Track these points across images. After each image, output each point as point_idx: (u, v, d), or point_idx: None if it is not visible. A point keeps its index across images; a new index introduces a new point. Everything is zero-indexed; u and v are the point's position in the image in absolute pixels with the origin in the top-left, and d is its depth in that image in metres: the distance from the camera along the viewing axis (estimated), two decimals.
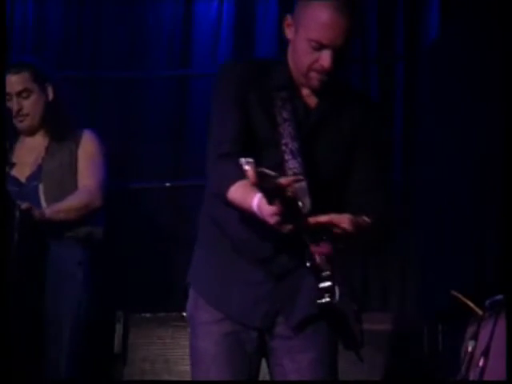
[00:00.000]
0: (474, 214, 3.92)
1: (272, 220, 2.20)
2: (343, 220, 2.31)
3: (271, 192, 2.14)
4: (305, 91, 2.50)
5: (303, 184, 2.36)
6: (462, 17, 4.09)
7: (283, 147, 2.41)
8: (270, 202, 2.16)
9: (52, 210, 3.50)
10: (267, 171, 2.13)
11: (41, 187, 3.63)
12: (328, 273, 2.32)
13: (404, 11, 4.30)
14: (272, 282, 2.45)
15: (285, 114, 2.44)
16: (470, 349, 2.95)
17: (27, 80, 3.69)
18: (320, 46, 2.38)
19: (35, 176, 3.67)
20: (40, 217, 3.45)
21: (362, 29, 4.25)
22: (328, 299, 2.32)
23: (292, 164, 2.39)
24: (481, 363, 2.84)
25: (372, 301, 4.21)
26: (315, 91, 2.48)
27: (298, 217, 2.23)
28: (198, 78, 4.55)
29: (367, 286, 4.22)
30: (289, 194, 2.16)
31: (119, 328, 3.77)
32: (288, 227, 2.22)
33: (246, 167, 2.09)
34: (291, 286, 2.45)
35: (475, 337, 2.93)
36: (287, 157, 2.40)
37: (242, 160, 2.09)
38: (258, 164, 2.11)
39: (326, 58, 2.38)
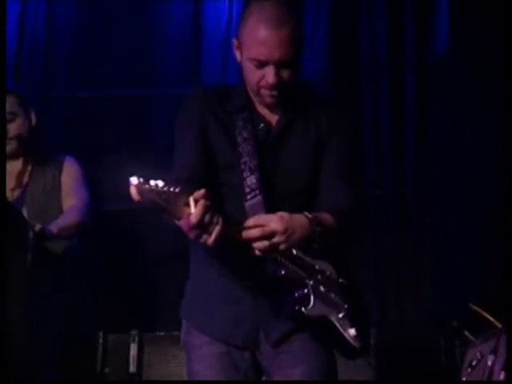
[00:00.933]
0: (488, 226, 3.89)
1: (191, 234, 2.19)
2: (271, 218, 2.30)
3: (175, 209, 2.14)
4: (264, 109, 2.53)
5: (259, 198, 2.40)
6: (471, 27, 4.08)
7: (242, 166, 2.45)
8: (176, 219, 2.16)
9: (58, 227, 3.52)
10: (167, 189, 2.11)
11: (24, 211, 3.65)
12: (304, 280, 2.35)
13: (414, 20, 4.29)
14: (251, 298, 2.45)
15: (245, 134, 2.48)
16: (489, 363, 2.92)
17: (13, 104, 3.74)
18: (261, 64, 2.40)
19: (19, 200, 3.70)
20: (50, 235, 3.47)
21: (372, 37, 4.25)
22: (298, 308, 2.34)
23: (250, 181, 2.43)
24: (502, 377, 2.81)
25: (388, 315, 4.18)
26: (271, 106, 2.51)
27: (226, 228, 2.21)
28: None
29: (383, 301, 4.20)
30: (201, 207, 2.15)
31: (134, 347, 3.76)
32: (210, 239, 2.19)
33: (132, 185, 2.09)
34: (273, 301, 2.44)
35: (495, 351, 2.90)
36: (245, 174, 2.44)
37: (131, 178, 2.10)
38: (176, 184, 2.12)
39: (269, 74, 2.40)
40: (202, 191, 2.18)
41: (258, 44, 2.37)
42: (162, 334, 3.79)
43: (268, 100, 2.48)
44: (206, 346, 2.47)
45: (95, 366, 3.78)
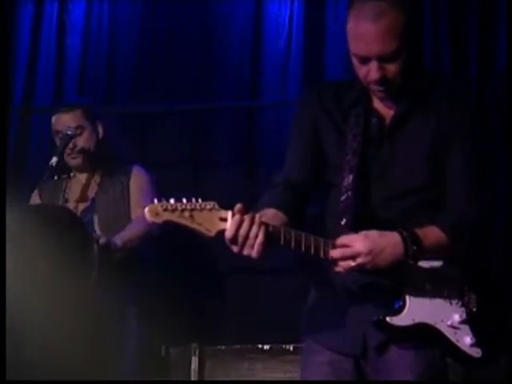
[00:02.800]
0: None
1: (232, 249, 2.20)
2: (356, 238, 2.25)
3: (208, 225, 2.15)
4: (379, 102, 2.44)
5: (348, 200, 2.34)
6: None
7: (345, 164, 2.39)
8: (210, 235, 2.17)
9: (122, 239, 3.54)
10: (198, 206, 2.14)
11: (95, 219, 3.69)
12: (400, 286, 2.29)
13: (478, 34, 4.24)
14: (357, 304, 2.40)
15: (355, 131, 2.41)
16: None
17: (80, 118, 3.78)
18: (362, 59, 2.32)
19: (89, 209, 3.74)
20: (115, 248, 3.50)
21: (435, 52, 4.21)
22: (382, 317, 2.29)
23: (346, 181, 2.37)
24: None
25: None
26: (385, 100, 2.42)
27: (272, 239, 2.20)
28: (267, 108, 4.57)
29: None
30: (234, 222, 2.16)
31: (195, 360, 3.77)
32: (253, 252, 2.18)
33: (147, 206, 2.14)
34: (374, 307, 2.37)
35: None
36: (345, 174, 2.38)
37: (155, 200, 2.14)
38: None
39: (372, 70, 2.32)
40: (239, 205, 2.19)
41: (356, 39, 2.30)
42: (222, 347, 3.80)
43: (379, 95, 2.40)
44: (313, 354, 2.46)
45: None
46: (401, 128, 2.42)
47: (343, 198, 2.36)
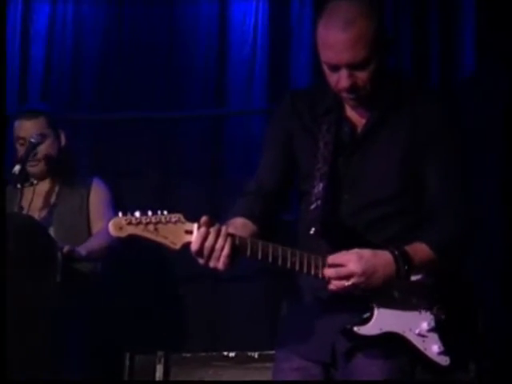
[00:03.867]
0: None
1: (199, 261, 2.20)
2: (350, 258, 2.25)
3: (174, 238, 2.15)
4: (351, 110, 2.43)
5: (317, 209, 2.33)
6: (497, 50, 4.07)
7: (316, 172, 2.39)
8: (174, 247, 2.16)
9: (87, 250, 3.52)
10: (163, 219, 2.13)
11: (51, 230, 3.66)
12: (363, 297, 2.29)
13: (439, 43, 4.28)
14: (326, 311, 2.40)
15: (327, 138, 2.40)
16: None
17: (42, 125, 3.76)
18: (333, 67, 2.32)
19: (46, 220, 3.72)
20: (80, 258, 3.47)
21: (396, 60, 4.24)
22: (350, 327, 2.29)
23: (317, 189, 2.37)
24: None
25: None
26: (357, 108, 2.41)
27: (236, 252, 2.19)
28: (233, 116, 4.57)
29: None
30: (199, 234, 2.15)
31: (160, 368, 3.75)
32: (218, 264, 2.17)
33: (111, 220, 2.13)
34: (343, 314, 2.37)
35: None
36: (315, 182, 2.38)
37: (119, 213, 2.14)
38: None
39: (342, 78, 2.32)
40: (205, 218, 2.18)
41: (326, 48, 2.30)
42: (188, 355, 3.79)
43: (350, 103, 2.39)
44: (283, 361, 2.45)
45: None
46: (372, 137, 2.41)
47: (313, 206, 2.36)
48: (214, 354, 3.70)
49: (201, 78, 4.54)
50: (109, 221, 3.59)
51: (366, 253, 2.26)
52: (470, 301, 2.45)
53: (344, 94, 2.36)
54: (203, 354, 3.75)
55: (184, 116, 4.55)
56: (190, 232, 2.17)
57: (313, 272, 2.27)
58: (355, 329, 2.30)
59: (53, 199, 3.77)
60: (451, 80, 4.23)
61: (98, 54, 4.63)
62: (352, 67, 2.30)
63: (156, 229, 2.12)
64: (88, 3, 4.63)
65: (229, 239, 2.18)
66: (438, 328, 2.35)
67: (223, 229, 2.19)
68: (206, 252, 2.17)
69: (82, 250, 3.50)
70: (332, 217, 2.35)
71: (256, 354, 3.62)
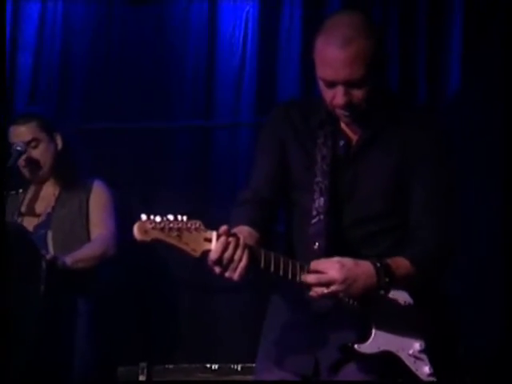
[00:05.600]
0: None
1: (214, 270, 2.19)
2: (331, 266, 2.25)
3: (194, 245, 2.14)
4: (344, 125, 2.45)
5: (321, 225, 2.34)
6: (484, 67, 4.10)
7: (315, 186, 2.39)
8: (194, 255, 2.15)
9: (73, 259, 3.50)
10: (184, 225, 2.12)
11: (49, 235, 3.64)
12: (367, 313, 2.31)
13: (426, 60, 4.30)
14: (313, 325, 2.41)
15: (324, 152, 2.41)
16: None
17: (36, 130, 3.73)
18: (329, 84, 2.34)
19: (44, 224, 3.69)
20: (63, 266, 3.45)
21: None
22: (351, 344, 2.30)
23: (318, 203, 2.37)
24: None
25: None
26: (350, 124, 2.43)
27: (253, 264, 2.19)
28: (220, 128, 4.57)
29: None
30: (220, 244, 2.14)
31: (143, 379, 3.74)
32: (234, 275, 2.16)
33: (137, 223, 2.10)
34: (331, 329, 2.40)
35: None
36: (316, 196, 2.38)
37: (141, 216, 2.11)
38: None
39: (337, 95, 2.33)
40: (225, 227, 2.17)
41: (324, 64, 2.32)
42: (171, 366, 3.78)
43: (344, 120, 2.41)
44: (263, 372, 2.46)
45: None
46: (365, 153, 2.43)
47: (315, 220, 2.36)
48: (197, 365, 3.70)
49: (189, 89, 4.54)
50: (107, 228, 3.65)
51: (348, 261, 2.27)
52: (454, 325, 2.49)
53: (339, 111, 2.38)
54: (186, 365, 3.75)
55: (172, 127, 4.55)
56: (209, 240, 2.16)
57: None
58: (356, 347, 2.31)
59: (52, 203, 3.73)
60: (438, 96, 4.26)
61: (86, 65, 4.62)
62: (349, 85, 2.32)
63: (178, 235, 2.12)
64: (77, 12, 4.63)
65: (246, 250, 2.18)
66: (428, 350, 2.37)
67: (241, 239, 2.19)
68: (224, 262, 2.16)
69: (69, 258, 3.47)
70: (333, 232, 2.36)
71: (239, 367, 3.62)
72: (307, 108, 2.50)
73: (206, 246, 2.16)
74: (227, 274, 2.18)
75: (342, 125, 2.46)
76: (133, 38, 4.59)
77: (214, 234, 2.16)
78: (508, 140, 3.87)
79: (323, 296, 2.26)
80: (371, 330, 2.33)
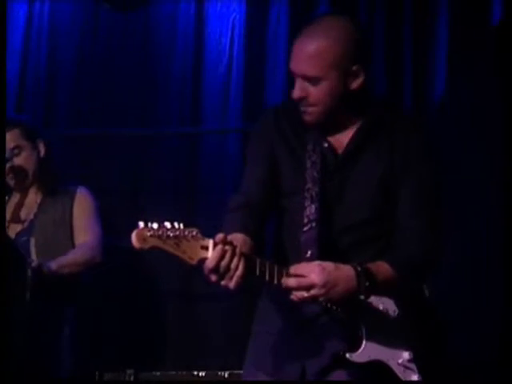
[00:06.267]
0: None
1: (210, 278, 2.18)
2: (312, 269, 2.25)
3: (191, 252, 2.13)
4: (334, 131, 2.45)
5: (313, 232, 2.34)
6: (469, 71, 4.12)
7: (305, 193, 2.39)
8: (191, 263, 2.14)
9: (58, 264, 3.49)
10: (181, 233, 2.12)
11: (32, 241, 3.62)
12: (357, 322, 2.31)
13: (412, 64, 4.32)
14: (300, 332, 2.41)
15: (314, 158, 2.42)
16: None
17: (18, 137, 3.72)
18: (293, 75, 2.38)
19: (26, 231, 3.67)
20: (48, 272, 3.44)
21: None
22: (343, 353, 2.29)
23: (309, 210, 2.37)
24: None
25: None
26: (310, 126, 2.44)
27: (248, 273, 2.19)
28: (208, 134, 4.57)
29: None
30: (217, 252, 2.14)
31: None
32: (230, 284, 2.15)
33: (135, 230, 2.09)
34: (320, 336, 2.39)
35: None
36: (306, 203, 2.38)
37: (139, 223, 2.10)
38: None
39: (295, 87, 2.38)
40: (221, 235, 2.17)
41: (291, 54, 2.37)
42: (157, 373, 3.77)
43: (304, 117, 2.42)
44: (249, 377, 2.46)
45: None
46: (353, 159, 2.44)
47: (306, 228, 2.37)
48: (184, 373, 3.68)
49: (177, 95, 4.54)
50: (93, 235, 3.64)
51: (329, 265, 2.26)
52: (441, 335, 2.49)
53: (302, 107, 2.40)
54: (173, 372, 3.73)
55: (159, 133, 4.55)
56: (206, 248, 2.15)
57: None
58: (347, 355, 2.30)
59: (34, 210, 3.73)
60: (424, 101, 4.27)
61: (72, 71, 4.61)
62: (306, 79, 2.35)
63: (176, 243, 2.11)
64: (63, 17, 4.62)
65: (242, 259, 2.18)
66: (417, 359, 2.38)
67: (238, 248, 2.19)
68: (221, 271, 2.16)
69: (53, 264, 3.46)
70: (324, 240, 2.36)
71: (226, 374, 3.61)
72: (296, 113, 2.49)
73: (203, 254, 2.15)
74: (223, 283, 2.18)
75: (330, 131, 2.46)
76: (119, 44, 4.59)
77: (210, 242, 2.16)
78: (495, 142, 3.88)
79: (303, 300, 2.25)
80: (362, 338, 2.33)
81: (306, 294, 2.23)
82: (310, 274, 2.23)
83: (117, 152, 4.49)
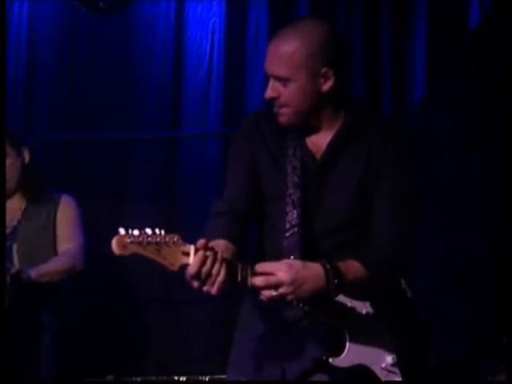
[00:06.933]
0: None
1: (192, 284, 2.18)
2: (279, 267, 2.23)
3: (172, 258, 2.13)
4: (313, 135, 2.47)
5: (295, 237, 2.33)
6: (447, 74, 4.14)
7: (287, 198, 2.39)
8: (172, 269, 2.13)
9: (38, 272, 3.47)
10: (163, 239, 2.11)
11: (14, 247, 3.60)
12: (339, 327, 2.31)
13: (391, 66, 4.33)
14: (281, 336, 2.41)
15: (294, 163, 2.42)
16: None
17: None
18: (268, 75, 2.41)
19: (9, 237, 3.63)
20: (27, 280, 3.42)
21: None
22: (325, 358, 2.29)
23: (291, 216, 2.37)
24: None
25: None
26: (285, 127, 2.44)
27: (230, 278, 2.19)
28: (188, 139, 4.57)
29: None
30: (198, 258, 2.13)
31: None
32: (213, 289, 2.15)
33: (115, 237, 2.08)
34: (300, 339, 2.39)
35: None
36: (288, 209, 2.38)
37: (119, 229, 2.09)
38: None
39: (268, 87, 2.41)
40: (202, 241, 2.16)
41: (266, 53, 2.41)
42: (138, 379, 3.76)
43: (277, 118, 2.43)
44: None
45: None
46: (331, 164, 2.44)
47: (288, 234, 2.36)
48: (164, 378, 3.68)
49: (156, 100, 4.54)
50: (76, 242, 3.63)
51: (296, 263, 2.26)
52: (424, 337, 2.49)
53: (275, 108, 2.42)
54: (153, 378, 3.73)
55: (138, 138, 4.54)
56: (187, 254, 2.15)
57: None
58: (330, 360, 2.30)
59: (18, 216, 3.70)
60: (403, 105, 4.29)
61: (51, 75, 4.59)
62: (276, 79, 2.38)
63: (157, 249, 2.10)
64: (42, 21, 4.60)
65: (224, 264, 2.17)
66: (400, 363, 2.37)
67: (219, 253, 2.18)
68: (203, 276, 2.15)
69: (33, 272, 3.44)
70: (305, 244, 2.35)
71: (206, 378, 3.61)
72: (274, 117, 2.48)
73: (184, 260, 2.14)
74: (205, 289, 2.17)
75: (310, 136, 2.47)
76: (98, 47, 4.57)
77: (192, 248, 2.15)
78: (474, 143, 3.91)
79: (272, 299, 2.23)
80: (345, 343, 2.32)
81: (273, 293, 2.22)
82: (278, 272, 2.22)
83: (96, 156, 4.48)
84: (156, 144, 4.57)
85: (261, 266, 2.25)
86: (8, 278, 3.26)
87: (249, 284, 2.23)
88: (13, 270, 3.33)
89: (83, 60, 4.58)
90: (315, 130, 2.47)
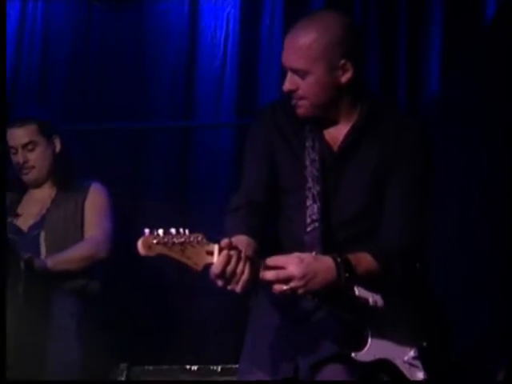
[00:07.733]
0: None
1: (217, 283, 2.18)
2: (290, 261, 2.23)
3: (197, 258, 2.13)
4: (330, 127, 2.47)
5: (317, 232, 2.34)
6: (463, 67, 4.12)
7: (306, 192, 2.40)
8: (196, 268, 2.14)
9: (54, 260, 3.47)
10: (187, 239, 2.12)
11: (42, 235, 3.62)
12: (360, 321, 2.31)
13: (406, 60, 4.32)
14: (295, 329, 2.41)
15: (313, 156, 2.42)
16: None
17: (33, 133, 3.71)
18: (285, 68, 2.41)
19: (37, 225, 3.66)
20: (41, 267, 3.42)
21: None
22: (348, 353, 2.28)
23: (311, 210, 2.37)
24: None
25: None
26: (303, 119, 2.45)
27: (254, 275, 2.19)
28: (201, 129, 4.57)
29: None
30: (222, 257, 2.13)
31: (122, 380, 3.72)
32: (237, 288, 2.16)
33: (141, 238, 2.09)
34: (315, 332, 2.39)
35: None
36: (308, 202, 2.38)
37: (145, 230, 2.10)
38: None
39: (286, 80, 2.40)
40: (226, 241, 2.17)
41: (284, 46, 2.41)
42: (150, 368, 3.76)
43: (295, 110, 2.43)
44: (244, 373, 2.46)
45: None
46: (348, 154, 2.44)
47: (310, 228, 2.37)
48: (177, 367, 3.67)
49: (170, 90, 4.55)
50: (102, 230, 3.63)
51: (307, 257, 2.26)
52: (445, 331, 2.49)
53: (293, 100, 2.42)
54: (166, 366, 3.72)
55: (152, 127, 4.55)
56: (211, 253, 2.15)
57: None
58: (353, 355, 2.30)
59: (47, 205, 3.71)
60: (418, 97, 4.28)
61: (66, 66, 4.62)
62: (294, 72, 2.38)
63: (182, 249, 2.11)
64: (56, 14, 4.61)
65: (248, 263, 2.18)
66: (422, 356, 2.38)
67: (243, 252, 2.18)
68: (227, 276, 2.15)
69: (50, 260, 3.45)
70: (327, 238, 2.36)
71: (219, 368, 3.60)
72: (293, 109, 2.49)
73: (208, 259, 2.15)
74: (230, 287, 2.18)
75: (327, 127, 2.47)
76: (113, 38, 4.59)
77: (216, 248, 2.15)
78: (491, 135, 3.88)
79: (283, 292, 2.23)
80: (367, 337, 2.32)
81: (284, 287, 2.22)
82: (288, 266, 2.22)
83: (109, 146, 4.49)
84: (170, 134, 4.58)
85: (271, 260, 2.25)
86: (22, 265, 3.27)
87: (260, 278, 2.23)
88: (25, 257, 3.34)
89: (97, 53, 4.61)
90: (333, 121, 2.47)
